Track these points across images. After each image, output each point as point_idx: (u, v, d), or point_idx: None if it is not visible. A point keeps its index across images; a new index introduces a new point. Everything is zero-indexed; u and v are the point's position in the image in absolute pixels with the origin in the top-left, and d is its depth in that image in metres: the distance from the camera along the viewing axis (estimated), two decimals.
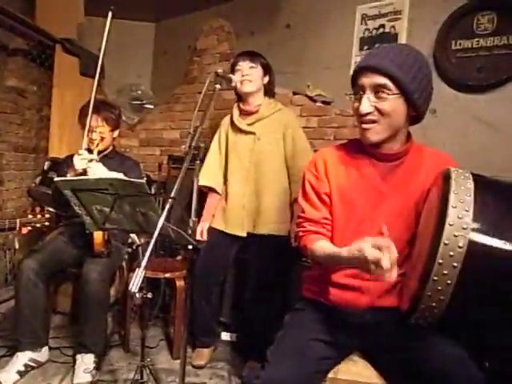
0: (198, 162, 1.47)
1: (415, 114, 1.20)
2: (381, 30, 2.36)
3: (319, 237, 1.25)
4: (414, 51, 1.19)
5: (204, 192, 2.21)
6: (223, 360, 2.23)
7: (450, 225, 0.89)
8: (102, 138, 2.09)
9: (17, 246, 2.85)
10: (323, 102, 2.60)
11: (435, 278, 0.90)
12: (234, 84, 1.85)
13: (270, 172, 2.08)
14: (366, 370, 1.21)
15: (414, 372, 1.08)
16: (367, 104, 1.16)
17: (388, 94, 1.13)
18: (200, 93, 1.52)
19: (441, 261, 0.89)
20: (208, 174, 2.17)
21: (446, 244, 0.88)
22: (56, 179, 1.47)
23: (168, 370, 2.07)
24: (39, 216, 1.83)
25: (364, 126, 1.19)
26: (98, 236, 1.95)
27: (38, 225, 1.83)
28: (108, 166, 1.94)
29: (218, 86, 1.51)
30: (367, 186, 1.23)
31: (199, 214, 2.14)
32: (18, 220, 1.78)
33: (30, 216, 1.81)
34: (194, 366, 2.12)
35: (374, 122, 1.17)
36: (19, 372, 1.88)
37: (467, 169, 1.00)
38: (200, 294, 2.14)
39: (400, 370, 1.13)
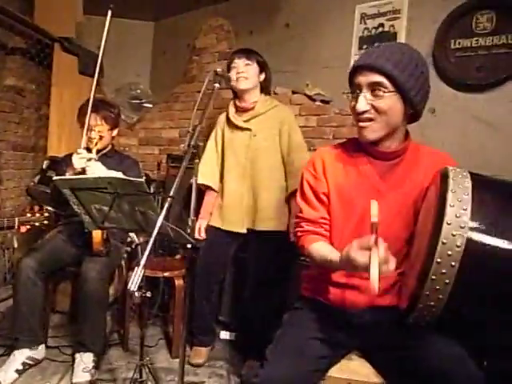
0: (196, 160, 1.47)
1: (413, 112, 1.20)
2: (380, 29, 2.36)
3: (317, 237, 1.25)
4: (410, 49, 1.19)
5: (202, 190, 2.21)
6: (222, 359, 2.23)
7: (448, 224, 0.89)
8: (101, 137, 2.09)
9: (15, 245, 2.85)
10: (322, 101, 2.60)
11: (433, 278, 0.90)
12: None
13: (267, 168, 2.08)
14: (365, 368, 1.22)
15: (412, 371, 1.09)
16: (364, 102, 1.16)
17: (384, 92, 1.14)
18: (199, 92, 1.52)
19: (439, 260, 0.89)
20: (205, 172, 2.17)
21: (444, 243, 0.88)
22: (55, 178, 1.47)
23: (167, 369, 2.07)
24: (38, 215, 1.83)
25: (361, 124, 1.19)
26: (96, 235, 1.95)
27: (37, 224, 1.83)
28: (107, 165, 1.94)
29: (217, 85, 1.51)
30: (365, 185, 1.23)
31: (197, 213, 2.14)
32: (16, 219, 1.78)
33: (28, 215, 1.82)
34: (192, 365, 2.13)
35: (370, 120, 1.17)
36: (18, 371, 1.88)
37: (466, 168, 1.00)
38: (201, 293, 2.14)
39: (398, 368, 1.13)
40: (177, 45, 3.51)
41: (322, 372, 1.18)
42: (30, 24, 2.81)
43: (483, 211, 0.91)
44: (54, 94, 3.01)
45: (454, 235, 0.88)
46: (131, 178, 1.38)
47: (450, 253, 0.88)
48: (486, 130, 2.02)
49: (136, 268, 1.11)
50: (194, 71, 3.37)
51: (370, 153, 1.25)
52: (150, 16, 3.63)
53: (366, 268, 0.90)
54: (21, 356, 1.91)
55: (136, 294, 1.17)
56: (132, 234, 2.24)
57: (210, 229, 2.16)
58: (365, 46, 2.40)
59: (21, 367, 1.89)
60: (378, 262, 0.89)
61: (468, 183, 0.94)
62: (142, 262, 1.12)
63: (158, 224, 1.17)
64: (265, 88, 2.17)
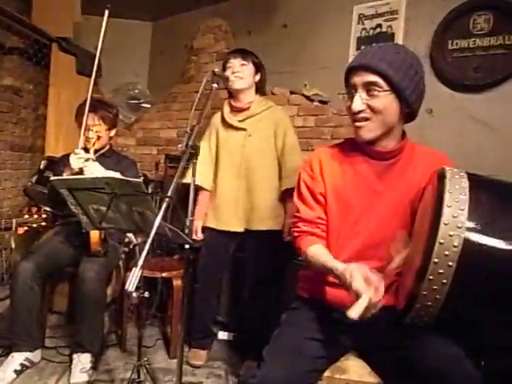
0: (194, 161, 1.47)
1: (408, 111, 1.21)
2: (378, 29, 2.36)
3: (314, 239, 1.26)
4: (405, 49, 1.20)
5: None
6: (220, 359, 2.23)
7: (445, 224, 0.89)
8: (99, 137, 2.09)
9: (13, 246, 2.84)
10: (320, 102, 2.60)
11: (431, 278, 0.90)
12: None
13: (261, 168, 2.08)
14: (362, 368, 1.22)
15: (409, 371, 1.09)
16: (359, 102, 1.17)
17: (379, 92, 1.14)
18: (197, 92, 1.52)
19: (436, 260, 0.89)
20: (199, 173, 2.17)
21: (441, 243, 0.89)
22: (52, 178, 1.47)
23: (165, 370, 2.07)
24: (36, 216, 1.83)
25: (357, 123, 1.20)
26: (94, 235, 1.95)
27: (35, 225, 1.83)
28: (105, 165, 1.94)
29: (214, 85, 1.52)
30: (362, 185, 1.24)
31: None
32: (14, 220, 1.78)
33: (26, 216, 1.81)
34: (190, 365, 2.12)
35: (366, 119, 1.18)
36: (16, 371, 1.88)
37: (463, 168, 1.00)
38: (201, 295, 2.14)
39: (395, 368, 1.13)
40: (175, 45, 3.50)
41: (319, 372, 1.18)
42: (27, 24, 2.80)
43: (480, 211, 0.91)
44: (51, 94, 3.00)
45: (451, 235, 0.88)
46: (129, 179, 1.38)
47: (447, 253, 0.88)
48: (483, 130, 2.02)
49: (134, 268, 1.11)
50: (192, 71, 3.36)
51: (366, 152, 1.26)
52: (148, 16, 3.63)
53: (357, 295, 0.97)
54: (19, 357, 1.90)
55: (134, 294, 1.17)
56: (130, 235, 2.24)
57: (206, 230, 2.16)
58: (362, 47, 2.40)
59: (19, 368, 1.89)
60: (367, 302, 0.95)
61: (465, 183, 0.94)
62: (140, 262, 1.12)
63: (156, 224, 1.17)
64: (260, 89, 2.17)
